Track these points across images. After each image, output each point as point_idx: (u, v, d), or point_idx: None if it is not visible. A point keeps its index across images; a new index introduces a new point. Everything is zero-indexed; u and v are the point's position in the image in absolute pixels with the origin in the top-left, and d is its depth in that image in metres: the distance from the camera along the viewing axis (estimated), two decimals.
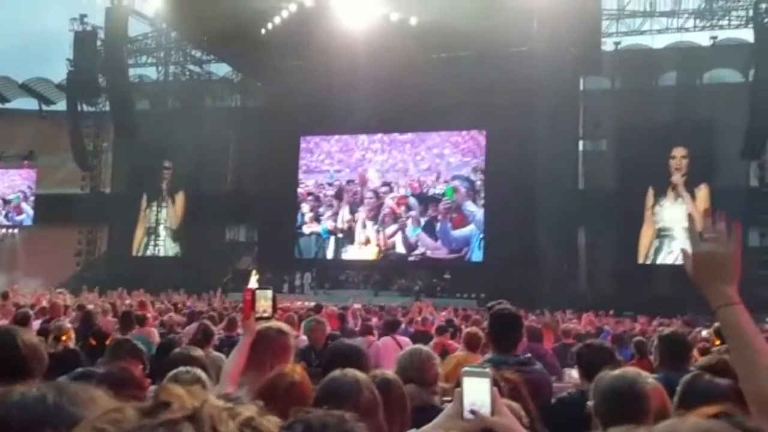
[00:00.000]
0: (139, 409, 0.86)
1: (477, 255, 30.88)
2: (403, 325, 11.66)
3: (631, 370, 2.90)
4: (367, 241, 32.46)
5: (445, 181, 31.48)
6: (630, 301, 23.25)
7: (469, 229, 31.07)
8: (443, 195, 31.38)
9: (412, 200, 31.92)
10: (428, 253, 31.49)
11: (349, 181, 33.25)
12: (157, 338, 8.29)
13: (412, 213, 31.77)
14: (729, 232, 1.87)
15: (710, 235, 1.88)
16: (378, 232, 32.20)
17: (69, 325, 6.99)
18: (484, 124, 30.71)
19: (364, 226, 32.49)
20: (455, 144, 31.83)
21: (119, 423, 0.84)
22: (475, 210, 31.12)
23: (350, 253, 32.81)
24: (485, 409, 1.91)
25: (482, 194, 31.03)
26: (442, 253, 31.33)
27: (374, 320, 12.14)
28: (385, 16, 26.73)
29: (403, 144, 32.56)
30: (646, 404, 2.68)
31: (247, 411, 0.88)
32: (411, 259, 31.77)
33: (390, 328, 9.67)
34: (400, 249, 31.99)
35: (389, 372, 3.02)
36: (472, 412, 1.91)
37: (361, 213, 32.61)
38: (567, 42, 25.84)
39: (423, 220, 31.58)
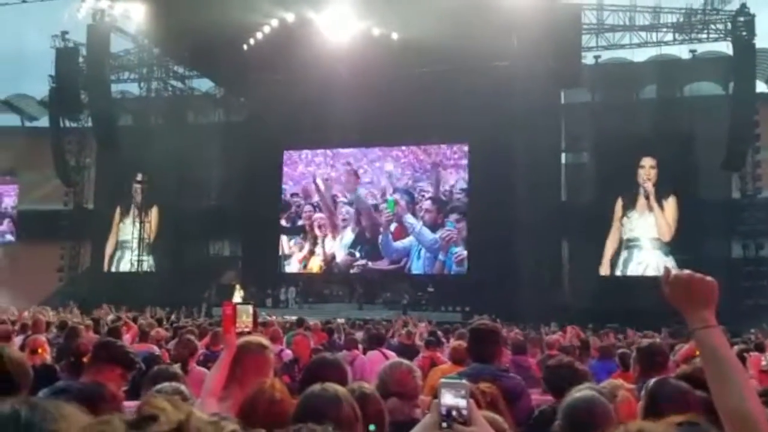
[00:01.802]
0: (126, 421, 0.87)
1: (417, 266, 31.83)
2: (393, 339, 11.70)
3: (588, 391, 2.91)
4: (311, 253, 33.35)
5: (386, 195, 32.52)
6: (613, 314, 23.25)
7: (408, 241, 31.97)
8: (385, 207, 32.32)
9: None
10: (369, 264, 32.23)
11: (293, 195, 34.05)
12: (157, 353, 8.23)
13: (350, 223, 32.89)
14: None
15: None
16: (317, 244, 33.29)
17: (43, 338, 6.95)
18: (466, 138, 30.95)
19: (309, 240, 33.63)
20: (396, 158, 32.70)
21: None
22: (415, 222, 32.02)
23: (293, 266, 33.61)
24: (462, 420, 1.94)
25: (422, 206, 32.08)
26: (383, 264, 32.19)
27: (359, 334, 12.13)
28: (367, 31, 26.81)
29: (347, 157, 33.50)
30: (608, 423, 2.69)
31: (231, 425, 0.89)
32: (353, 270, 32.50)
33: (375, 341, 9.68)
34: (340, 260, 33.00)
35: (367, 385, 3.01)
36: (449, 423, 1.94)
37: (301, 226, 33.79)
38: (547, 56, 26.00)
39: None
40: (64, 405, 1.22)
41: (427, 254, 31.77)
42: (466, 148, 31.77)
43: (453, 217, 31.77)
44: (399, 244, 32.01)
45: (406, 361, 3.77)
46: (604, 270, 29.35)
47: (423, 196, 32.21)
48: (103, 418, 0.90)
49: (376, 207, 32.57)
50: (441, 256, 31.64)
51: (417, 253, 31.82)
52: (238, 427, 0.91)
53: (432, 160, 32.34)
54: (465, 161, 32.00)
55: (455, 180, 32.09)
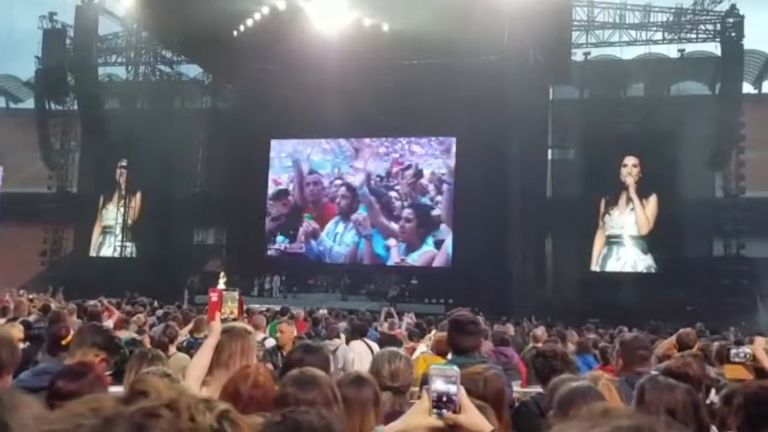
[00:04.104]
0: (117, 397, 0.87)
1: (337, 251, 32.60)
2: (374, 330, 11.73)
3: (584, 381, 2.94)
4: None
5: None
6: (595, 309, 23.44)
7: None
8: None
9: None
10: (287, 249, 33.13)
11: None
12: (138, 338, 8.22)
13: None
14: None
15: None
16: None
17: (18, 324, 6.93)
18: (454, 131, 30.90)
19: None
20: (318, 145, 33.49)
21: (97, 410, 0.85)
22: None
23: None
24: (453, 406, 1.95)
25: (338, 192, 32.64)
26: (296, 247, 33.11)
27: (341, 324, 12.15)
28: (358, 21, 26.70)
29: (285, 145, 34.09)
30: None
31: (223, 404, 0.90)
32: (269, 252, 33.32)
33: (359, 332, 9.70)
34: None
35: (363, 371, 3.03)
36: (440, 408, 1.95)
37: None
38: (537, 52, 26.07)
39: None
40: (18, 396, 1.22)
41: (345, 241, 32.44)
42: (453, 141, 31.78)
43: (366, 203, 32.27)
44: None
45: (402, 353, 3.70)
46: (594, 267, 29.49)
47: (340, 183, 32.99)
48: (93, 396, 0.90)
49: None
50: (354, 238, 32.08)
51: (332, 238, 32.44)
52: (231, 407, 0.91)
53: (354, 147, 32.83)
54: (383, 149, 32.59)
55: (374, 168, 32.45)
